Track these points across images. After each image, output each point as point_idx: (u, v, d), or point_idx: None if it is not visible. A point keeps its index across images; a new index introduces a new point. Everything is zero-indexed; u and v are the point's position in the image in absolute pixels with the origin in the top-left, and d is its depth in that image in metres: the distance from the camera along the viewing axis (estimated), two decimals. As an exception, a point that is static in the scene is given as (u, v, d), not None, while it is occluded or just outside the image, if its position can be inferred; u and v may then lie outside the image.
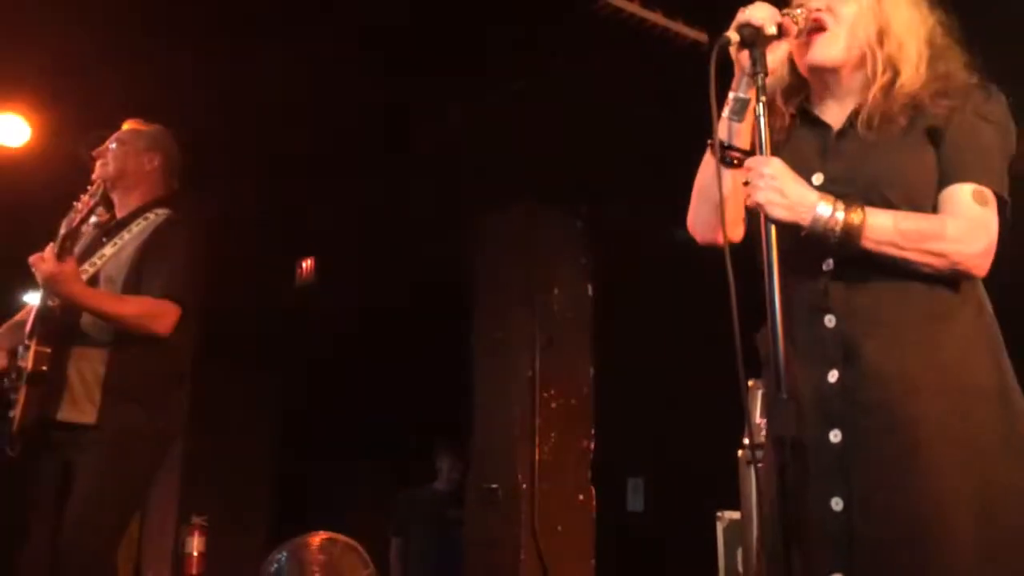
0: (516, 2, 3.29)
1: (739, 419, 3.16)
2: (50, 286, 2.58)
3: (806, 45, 1.58)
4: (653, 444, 5.60)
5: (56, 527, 2.61)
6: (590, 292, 4.43)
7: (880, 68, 1.55)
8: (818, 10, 1.55)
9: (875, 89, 1.55)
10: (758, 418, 2.79)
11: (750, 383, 2.30)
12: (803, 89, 1.66)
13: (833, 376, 1.49)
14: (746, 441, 3.14)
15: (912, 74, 1.54)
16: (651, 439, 5.60)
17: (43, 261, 2.56)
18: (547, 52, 3.64)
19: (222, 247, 3.14)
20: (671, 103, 3.32)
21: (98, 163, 2.91)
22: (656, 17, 3.09)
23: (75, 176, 2.96)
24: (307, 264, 5.49)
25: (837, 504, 1.44)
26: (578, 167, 4.28)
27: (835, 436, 1.47)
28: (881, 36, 1.56)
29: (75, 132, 3.57)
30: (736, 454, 3.21)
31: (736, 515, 3.23)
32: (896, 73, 1.55)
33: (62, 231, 2.67)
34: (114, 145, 2.93)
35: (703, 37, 3.11)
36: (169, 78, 3.65)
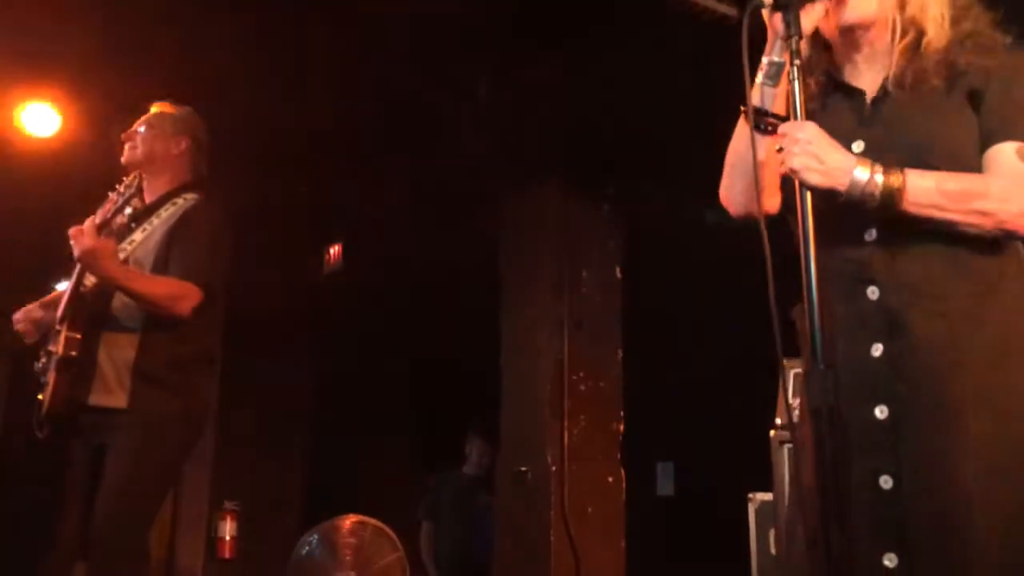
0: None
1: (770, 400, 3.12)
2: (87, 260, 2.59)
3: (836, 7, 1.53)
4: (682, 428, 5.57)
5: (88, 510, 2.63)
6: (618, 274, 4.39)
7: (904, 28, 1.53)
8: None
9: (900, 47, 1.52)
10: (791, 397, 2.74)
11: (784, 362, 2.26)
12: (825, 60, 1.61)
13: (878, 350, 1.44)
14: (779, 421, 3.09)
15: (937, 31, 1.51)
16: (680, 423, 5.56)
17: (83, 235, 2.58)
18: (576, 30, 3.60)
19: (251, 233, 3.15)
20: (701, 82, 3.27)
21: (126, 146, 2.91)
22: (686, -9, 3.04)
23: (105, 164, 2.98)
24: (335, 250, 5.50)
25: (886, 482, 1.40)
26: (607, 148, 4.24)
27: (881, 412, 1.43)
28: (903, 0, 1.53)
29: (105, 121, 3.59)
30: (768, 435, 3.16)
31: (768, 496, 3.18)
32: (921, 32, 1.52)
33: (97, 220, 2.69)
34: (143, 129, 2.93)
35: (733, 11, 3.06)
36: (198, 65, 3.65)
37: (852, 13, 1.53)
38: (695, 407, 5.25)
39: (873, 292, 1.46)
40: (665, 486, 6.51)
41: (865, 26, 1.54)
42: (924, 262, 1.45)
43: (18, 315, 2.83)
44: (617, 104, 3.95)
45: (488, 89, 4.08)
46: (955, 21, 1.53)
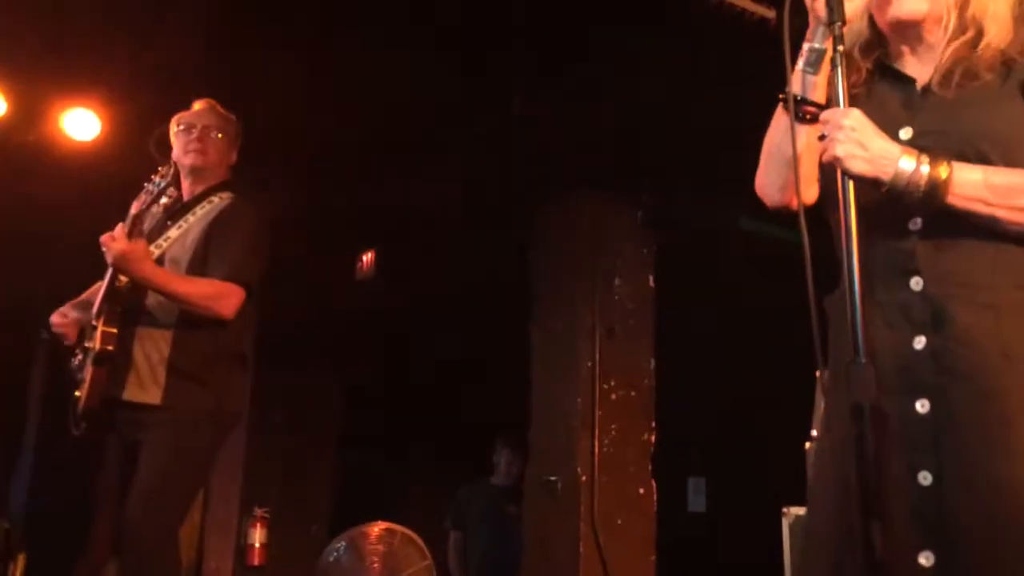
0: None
1: (804, 413, 3.07)
2: (120, 265, 2.62)
3: (886, 1, 1.50)
4: (715, 441, 5.49)
5: (121, 505, 2.65)
6: (651, 283, 4.36)
7: (962, 26, 1.48)
8: None
9: (956, 44, 1.47)
10: (817, 400, 2.68)
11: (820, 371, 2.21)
12: (881, 44, 1.57)
13: (920, 342, 1.39)
14: (815, 432, 3.04)
15: (1000, 31, 1.46)
16: (713, 436, 5.49)
17: (114, 240, 2.61)
18: (611, 37, 3.59)
19: (284, 239, 3.17)
20: (735, 89, 3.24)
21: (192, 148, 2.89)
22: (722, -6, 3.01)
23: (145, 170, 3.01)
24: (367, 258, 5.52)
25: (925, 479, 1.35)
26: (641, 155, 4.21)
27: (922, 406, 1.38)
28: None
29: (146, 127, 3.64)
30: (804, 446, 3.11)
31: (802, 510, 3.12)
32: (980, 32, 1.47)
33: (132, 211, 2.72)
34: (219, 135, 2.94)
35: (771, 13, 3.03)
36: (237, 73, 3.70)
37: (901, 8, 1.50)
38: (729, 419, 5.18)
39: (917, 283, 1.41)
40: (697, 502, 6.42)
41: (916, 22, 1.51)
42: (970, 253, 1.40)
43: (55, 317, 2.86)
44: (651, 112, 3.93)
45: (523, 99, 4.08)
46: (1020, 19, 1.48)
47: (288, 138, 4.23)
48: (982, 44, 1.46)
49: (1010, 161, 1.40)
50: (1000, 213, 1.37)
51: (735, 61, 3.32)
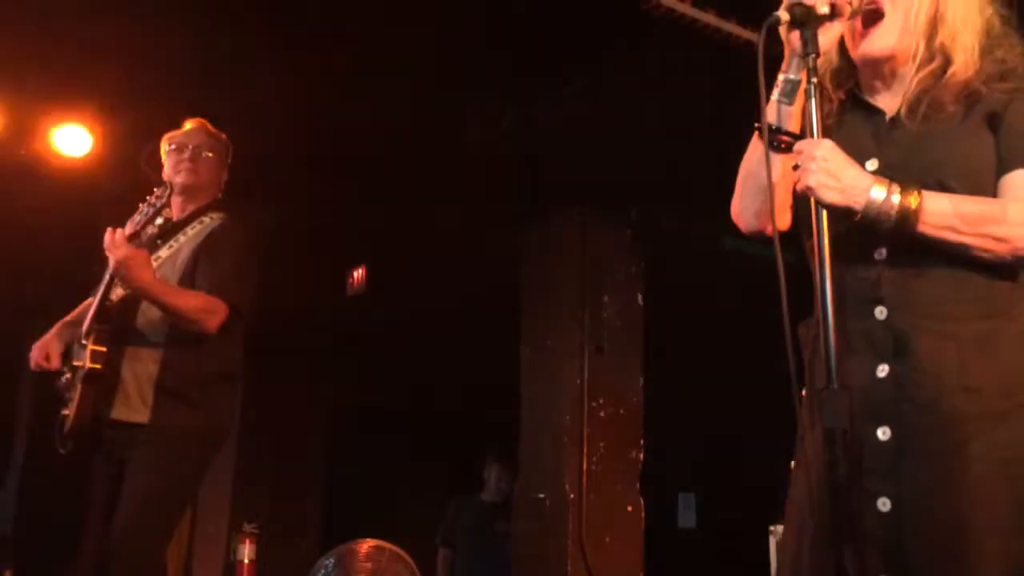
0: (569, 5, 3.28)
1: (792, 431, 3.08)
2: (122, 270, 2.60)
3: (861, 33, 1.53)
4: (704, 458, 5.50)
5: (108, 523, 2.64)
6: (640, 300, 4.38)
7: (930, 56, 1.51)
8: (877, 12, 1.51)
9: (923, 74, 1.50)
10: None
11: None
12: (853, 74, 1.60)
13: (883, 371, 1.42)
14: (797, 457, 3.05)
15: (965, 61, 1.49)
16: (702, 453, 5.50)
17: (117, 246, 2.60)
18: (599, 55, 3.62)
19: (275, 255, 3.19)
20: (723, 107, 3.27)
21: (184, 167, 2.90)
22: (708, 17, 3.05)
23: (136, 186, 3.02)
24: (359, 273, 5.54)
25: (884, 505, 1.38)
26: (630, 174, 4.24)
27: (883, 433, 1.40)
28: (935, 24, 1.51)
29: (137, 142, 3.66)
30: (790, 465, 3.12)
31: (790, 528, 3.13)
32: (948, 62, 1.50)
33: (128, 231, 2.72)
34: (210, 154, 2.94)
35: (755, 37, 3.05)
36: (228, 89, 3.72)
37: (872, 47, 1.53)
38: (717, 437, 5.20)
39: (881, 312, 1.44)
40: (687, 518, 6.43)
41: (885, 58, 1.53)
42: (935, 284, 1.43)
43: (35, 353, 2.80)
44: (639, 131, 3.96)
45: (512, 117, 4.11)
46: (986, 51, 1.51)
47: (279, 155, 4.25)
48: (948, 73, 1.49)
49: (974, 193, 1.43)
50: (970, 241, 1.39)
51: (722, 81, 3.36)
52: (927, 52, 1.51)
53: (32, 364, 2.82)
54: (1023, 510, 1.34)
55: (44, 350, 2.80)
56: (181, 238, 2.87)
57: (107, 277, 2.69)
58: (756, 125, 1.50)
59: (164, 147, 2.98)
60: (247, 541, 5.43)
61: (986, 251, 1.40)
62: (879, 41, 1.52)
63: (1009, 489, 1.35)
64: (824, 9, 1.42)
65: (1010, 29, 1.54)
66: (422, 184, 4.54)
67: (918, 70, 1.51)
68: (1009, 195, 1.43)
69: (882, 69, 1.55)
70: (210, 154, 2.95)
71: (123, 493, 2.65)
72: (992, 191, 1.44)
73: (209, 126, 3.02)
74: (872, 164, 1.49)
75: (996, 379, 1.39)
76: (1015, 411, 1.38)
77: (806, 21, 1.40)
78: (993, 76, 1.48)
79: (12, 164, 4.30)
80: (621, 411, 4.18)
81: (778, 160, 1.48)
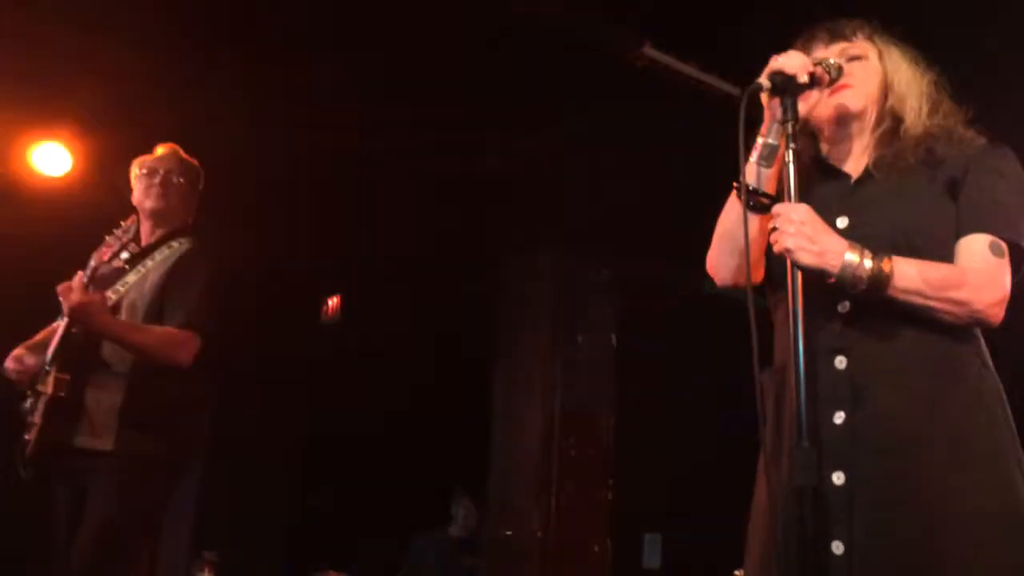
0: (555, 52, 3.34)
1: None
2: (76, 316, 2.60)
3: (830, 94, 1.61)
4: (671, 499, 5.50)
5: (68, 552, 2.60)
6: (614, 342, 4.41)
7: (882, 117, 1.64)
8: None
9: (879, 133, 1.63)
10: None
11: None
12: (812, 146, 1.69)
13: (839, 418, 1.48)
14: (756, 499, 3.06)
15: (914, 120, 1.61)
16: (669, 493, 5.50)
17: (71, 291, 2.59)
18: (582, 101, 3.68)
19: (249, 283, 3.17)
20: (701, 155, 3.33)
21: (154, 192, 2.88)
22: (691, 70, 3.12)
23: (116, 206, 3.00)
24: (332, 302, 5.52)
25: (838, 548, 1.43)
26: (606, 215, 4.29)
27: (838, 478, 1.46)
28: (885, 91, 1.64)
29: (116, 162, 3.64)
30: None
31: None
32: (899, 121, 1.62)
33: (92, 263, 2.69)
34: (181, 180, 2.93)
35: (736, 90, 3.13)
36: (203, 113, 3.72)
37: (848, 101, 1.63)
38: (685, 478, 5.20)
39: (841, 362, 1.51)
40: (652, 558, 6.40)
41: (858, 114, 1.64)
42: (892, 338, 1.50)
43: (10, 363, 2.78)
44: (617, 173, 4.01)
45: (493, 156, 4.14)
46: (932, 111, 1.62)
47: (255, 181, 4.25)
48: (901, 130, 1.61)
49: (939, 254, 1.51)
50: (934, 304, 1.47)
51: (703, 130, 3.42)
52: (879, 114, 1.64)
53: (7, 372, 2.78)
54: (970, 561, 1.39)
55: (19, 361, 2.77)
56: (149, 263, 2.83)
57: None
58: (734, 184, 1.55)
59: (135, 171, 2.96)
60: (207, 569, 5.34)
61: (947, 314, 1.48)
62: (852, 99, 1.63)
63: (955, 540, 1.40)
64: (804, 79, 1.49)
65: (945, 94, 1.66)
66: (399, 217, 4.56)
67: (874, 131, 1.64)
68: (964, 259, 1.52)
69: (853, 126, 1.65)
70: (181, 180, 2.93)
71: (84, 522, 2.60)
72: (950, 254, 1.53)
73: (181, 152, 3.00)
74: (842, 222, 1.56)
75: (945, 434, 1.45)
76: (963, 465, 1.44)
77: (786, 89, 1.46)
78: (941, 137, 1.59)
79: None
80: (591, 451, 4.19)
81: (755, 220, 1.54)
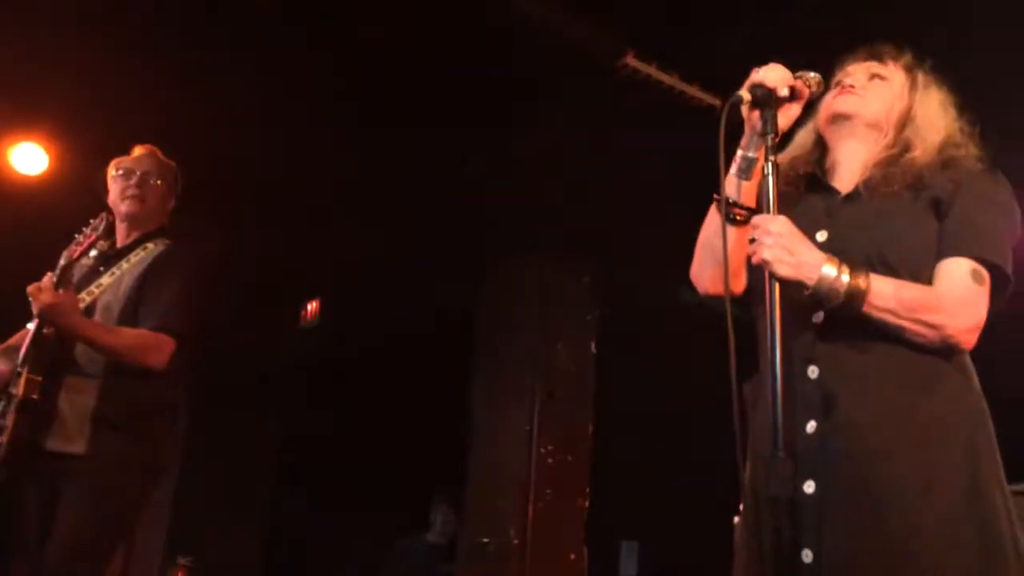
0: (536, 60, 3.35)
1: (737, 483, 3.11)
2: (47, 317, 2.56)
3: (831, 99, 1.65)
4: (649, 507, 5.51)
5: (39, 556, 2.56)
6: (593, 349, 4.41)
7: (894, 143, 1.63)
8: (851, 86, 1.66)
9: (884, 155, 1.61)
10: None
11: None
12: (816, 156, 1.70)
13: (811, 427, 1.49)
14: (742, 507, 3.08)
15: (923, 154, 1.60)
16: (647, 501, 5.51)
17: (41, 292, 2.55)
18: (559, 110, 3.69)
19: (225, 286, 3.14)
20: (682, 164, 3.35)
21: (130, 193, 2.85)
22: (673, 80, 3.15)
23: (93, 205, 2.96)
24: (312, 306, 5.49)
25: (807, 556, 1.44)
26: (588, 223, 4.29)
27: (809, 487, 1.47)
28: (904, 120, 1.64)
29: (92, 161, 3.60)
30: (733, 521, 3.14)
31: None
32: (907, 149, 1.61)
33: (62, 262, 2.66)
34: (159, 182, 2.89)
35: (717, 102, 3.16)
36: (182, 112, 3.69)
37: (841, 105, 1.65)
38: (663, 486, 5.21)
39: (813, 371, 1.52)
40: (629, 566, 6.41)
41: (849, 117, 1.65)
42: (864, 350, 1.50)
43: None
44: (597, 181, 4.02)
45: (473, 162, 4.14)
46: (943, 148, 1.62)
47: (233, 183, 4.23)
48: (905, 158, 1.59)
49: (916, 274, 1.51)
50: (906, 324, 1.47)
51: (683, 139, 3.44)
52: (893, 139, 1.63)
53: None
54: (937, 570, 1.40)
55: None
56: (124, 265, 2.80)
57: None
58: (715, 196, 1.55)
59: (111, 172, 2.92)
60: (181, 573, 5.29)
61: (918, 335, 1.48)
62: (847, 103, 1.64)
63: (920, 550, 1.41)
64: (784, 92, 1.50)
65: (970, 140, 1.65)
66: (380, 223, 4.54)
67: (881, 152, 1.63)
68: (943, 281, 1.52)
69: (844, 130, 1.66)
70: (158, 181, 2.90)
71: (55, 525, 2.57)
72: (929, 273, 1.53)
73: (159, 153, 2.97)
74: (822, 235, 1.57)
75: (910, 447, 1.46)
76: (930, 479, 1.45)
77: (767, 102, 1.47)
78: (935, 164, 1.59)
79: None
80: (569, 458, 4.19)
81: (734, 231, 1.55)
